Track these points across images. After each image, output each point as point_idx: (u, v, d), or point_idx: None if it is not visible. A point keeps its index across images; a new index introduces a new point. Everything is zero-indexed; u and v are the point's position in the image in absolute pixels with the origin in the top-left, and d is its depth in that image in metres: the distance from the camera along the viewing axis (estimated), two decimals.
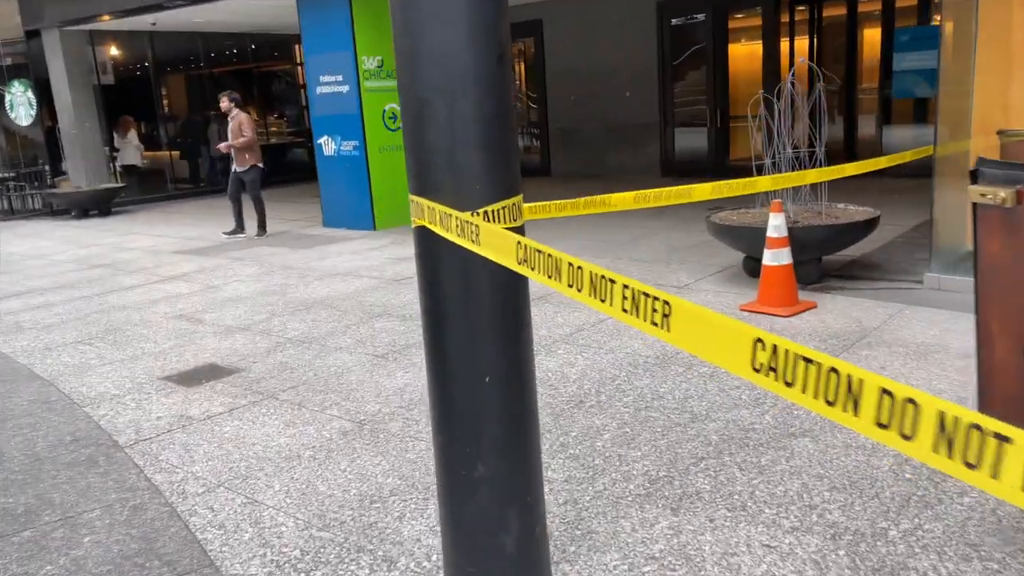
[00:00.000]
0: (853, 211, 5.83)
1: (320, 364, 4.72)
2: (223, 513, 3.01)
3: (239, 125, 9.35)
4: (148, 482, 3.31)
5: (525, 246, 1.75)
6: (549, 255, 1.70)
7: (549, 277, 1.72)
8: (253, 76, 16.98)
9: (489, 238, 1.84)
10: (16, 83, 13.47)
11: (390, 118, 9.65)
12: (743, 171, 12.16)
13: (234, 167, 9.54)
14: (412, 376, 4.39)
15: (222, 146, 9.76)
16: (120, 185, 13.61)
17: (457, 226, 1.90)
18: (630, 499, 2.88)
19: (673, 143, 12.85)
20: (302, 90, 17.44)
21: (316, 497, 3.08)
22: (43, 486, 3.34)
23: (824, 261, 5.76)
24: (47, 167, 13.68)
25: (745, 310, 5.15)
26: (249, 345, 5.20)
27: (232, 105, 9.46)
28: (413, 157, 2.03)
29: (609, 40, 12.99)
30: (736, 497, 2.84)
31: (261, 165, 9.63)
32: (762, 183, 4.91)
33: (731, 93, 12.17)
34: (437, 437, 2.19)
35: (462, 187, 1.95)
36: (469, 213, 1.92)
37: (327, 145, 9.85)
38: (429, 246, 2.05)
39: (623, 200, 3.00)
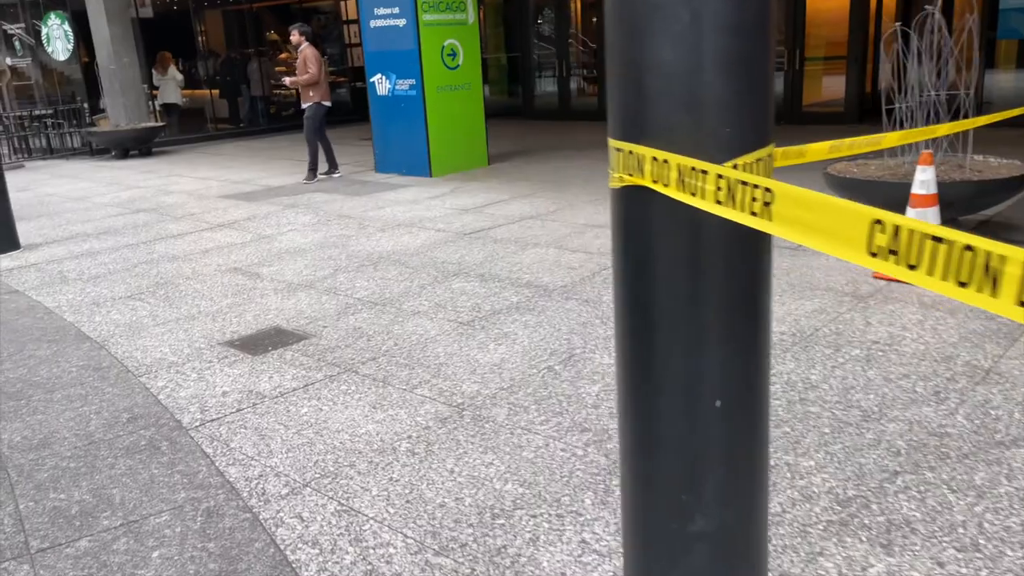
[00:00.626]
0: (997, 164, 5.10)
1: (399, 331, 4.18)
2: (315, 525, 2.49)
3: (304, 61, 8.78)
4: (221, 477, 2.81)
5: (896, 227, 1.12)
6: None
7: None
8: (294, 12, 16.23)
9: (802, 209, 1.21)
10: (52, 15, 12.90)
11: (449, 55, 8.94)
12: (818, 118, 11.34)
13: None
14: (508, 350, 3.83)
15: (287, 80, 9.23)
16: (161, 124, 13.09)
17: (718, 187, 1.28)
18: (822, 528, 2.31)
19: None
20: (346, 27, 16.70)
21: (424, 507, 2.56)
22: (100, 478, 2.86)
23: (959, 222, 5.06)
24: (85, 104, 13.19)
25: (881, 278, 4.50)
26: (315, 305, 4.68)
27: (303, 39, 8.87)
28: (625, 86, 1.42)
29: None
30: (961, 531, 2.25)
31: (327, 103, 9.05)
32: (889, 139, 4.21)
33: (808, 33, 11.22)
34: (632, 475, 1.62)
35: (703, 128, 1.34)
36: (728, 165, 1.31)
37: (381, 84, 9.18)
38: (640, 214, 1.45)
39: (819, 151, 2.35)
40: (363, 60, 16.66)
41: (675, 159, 1.32)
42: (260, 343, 4.14)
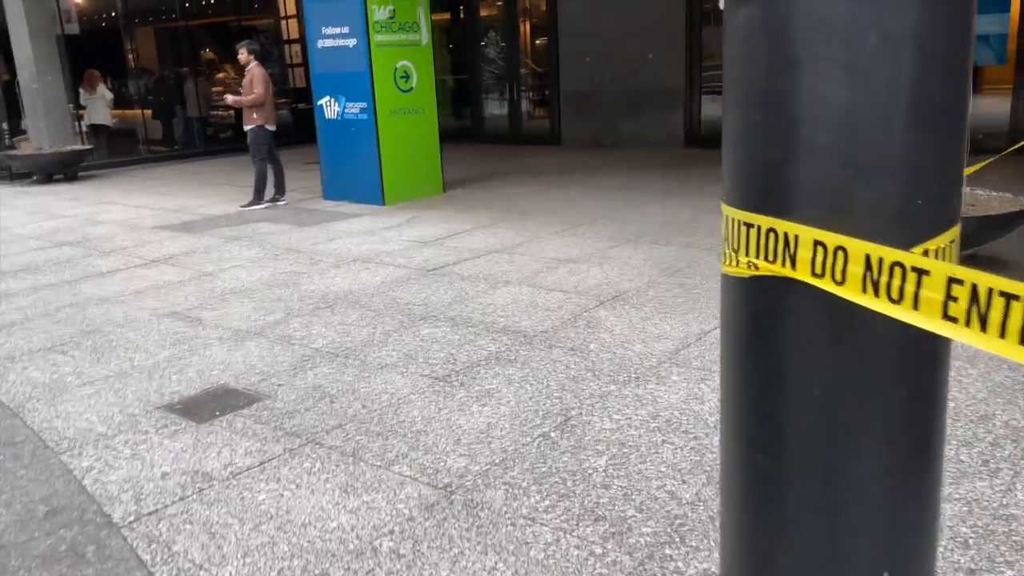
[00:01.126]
0: (988, 197, 4.90)
1: (366, 390, 3.69)
2: None
3: (251, 80, 8.26)
4: None
5: None
6: None
7: None
8: (232, 30, 15.57)
9: None
10: None
11: (402, 77, 8.50)
12: None
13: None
14: (493, 412, 3.38)
15: (229, 98, 8.65)
16: (88, 147, 12.27)
17: (918, 284, 0.88)
18: None
19: (700, 111, 11.82)
20: (287, 46, 16.12)
21: None
22: None
23: None
24: (5, 126, 12.28)
25: None
26: (267, 358, 4.15)
27: (251, 57, 8.35)
28: (762, 135, 1.01)
29: None
30: None
31: (271, 127, 8.50)
32: None
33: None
34: None
35: (888, 198, 0.94)
36: (917, 251, 0.91)
37: (329, 107, 8.67)
38: (782, 314, 1.04)
39: None
40: (305, 81, 16.18)
41: (859, 246, 0.91)
42: (205, 407, 3.60)
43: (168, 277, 5.94)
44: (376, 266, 5.96)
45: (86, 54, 13.16)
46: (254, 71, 8.31)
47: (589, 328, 4.32)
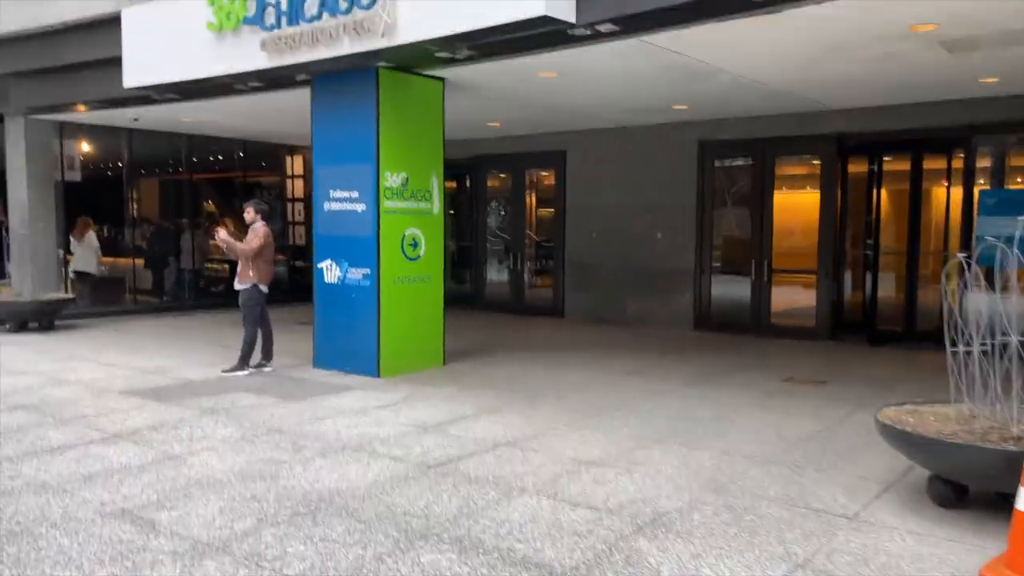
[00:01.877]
0: None
1: None
2: None
3: (254, 236, 7.84)
4: None
5: None
6: None
7: None
8: (236, 185, 15.51)
9: None
10: None
11: (411, 245, 8.08)
12: (787, 331, 10.86)
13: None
14: None
15: (220, 233, 8.14)
16: (69, 296, 11.68)
17: None
18: None
19: (710, 293, 11.46)
20: (290, 204, 16.03)
21: None
22: None
23: None
24: None
25: None
26: None
27: (258, 217, 7.99)
28: None
29: (640, 176, 11.82)
30: None
31: (264, 288, 7.99)
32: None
33: (775, 243, 10.93)
34: None
35: None
36: None
37: (330, 271, 8.18)
38: None
39: None
40: (305, 238, 15.95)
41: None
42: None
43: (127, 459, 5.14)
44: (369, 457, 5.19)
45: (85, 200, 12.91)
46: (258, 228, 7.91)
47: (630, 567, 3.52)
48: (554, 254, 13.10)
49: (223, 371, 7.98)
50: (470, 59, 7.26)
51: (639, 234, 11.90)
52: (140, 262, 14.00)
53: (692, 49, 6.93)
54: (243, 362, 7.98)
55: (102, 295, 13.05)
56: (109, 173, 13.79)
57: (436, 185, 8.38)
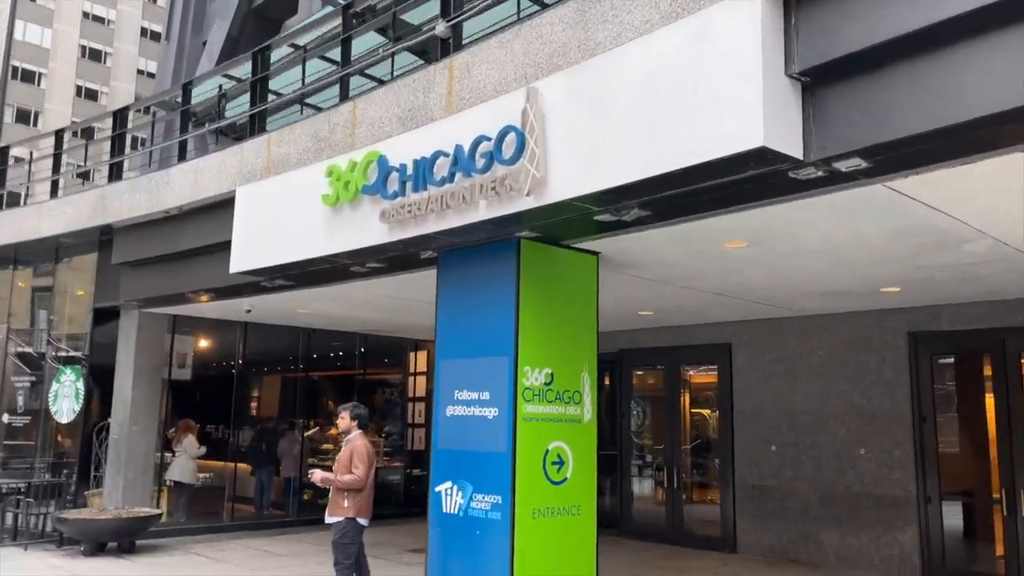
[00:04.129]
0: None
1: None
2: None
3: (350, 455, 6.17)
4: None
5: None
6: None
7: None
8: (355, 383, 14.23)
9: None
10: (68, 370, 10.93)
11: (554, 464, 6.10)
12: None
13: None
14: None
15: (317, 475, 6.44)
16: (155, 512, 10.20)
17: None
18: None
19: (941, 527, 8.65)
20: (411, 404, 14.54)
21: None
22: None
23: None
24: (73, 478, 10.56)
25: None
26: None
27: (353, 424, 6.38)
28: None
29: (832, 375, 9.56)
30: None
31: (364, 521, 6.16)
32: None
33: None
34: None
35: None
36: None
37: (449, 497, 6.26)
38: None
39: None
40: (423, 442, 14.24)
41: None
42: None
43: None
44: None
45: (191, 400, 11.84)
46: (356, 443, 6.23)
47: None
48: (720, 470, 10.68)
49: None
50: (638, 223, 5.59)
51: (834, 449, 9.43)
52: (243, 468, 12.57)
53: (950, 203, 5.01)
54: None
55: (197, 507, 11.55)
56: (218, 371, 12.81)
57: (587, 384, 6.51)
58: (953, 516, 8.69)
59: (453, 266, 6.64)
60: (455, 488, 6.23)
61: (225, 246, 8.20)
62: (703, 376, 11.80)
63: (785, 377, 10.00)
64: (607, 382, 12.47)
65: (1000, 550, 8.25)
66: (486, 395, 6.13)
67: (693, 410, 12.54)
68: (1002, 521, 8.20)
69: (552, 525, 6.05)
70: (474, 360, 6.30)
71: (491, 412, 6.08)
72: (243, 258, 7.91)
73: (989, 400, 8.55)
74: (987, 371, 8.63)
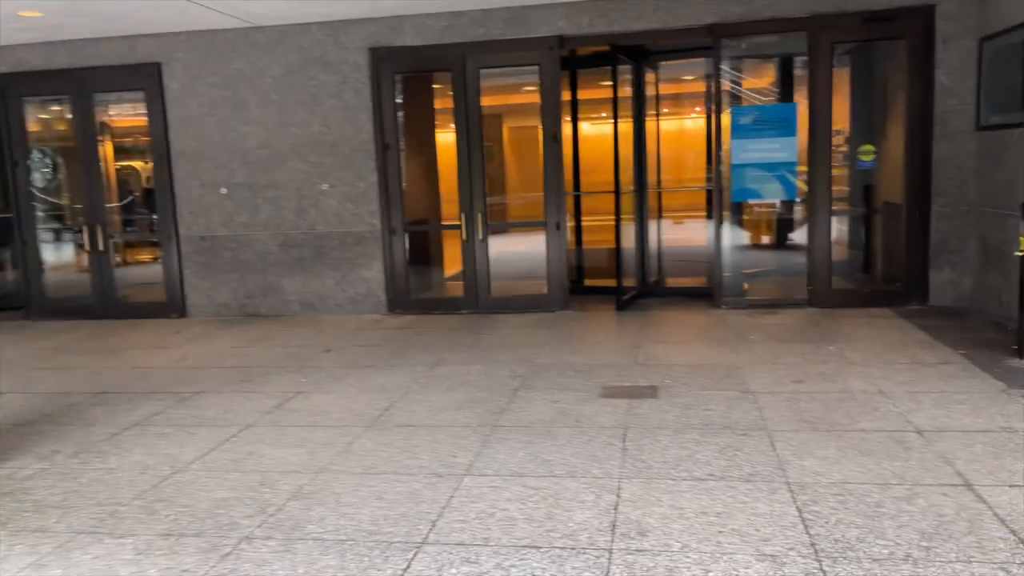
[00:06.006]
0: None
1: None
2: None
3: None
4: None
5: None
6: None
7: None
8: None
9: None
10: None
11: None
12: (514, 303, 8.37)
13: None
14: None
15: None
16: None
17: None
18: None
19: (405, 257, 8.37)
20: None
21: None
22: None
23: None
24: None
25: None
26: None
27: None
28: None
29: (288, 101, 8.15)
30: None
31: None
32: None
33: (491, 188, 8.29)
34: None
35: None
36: None
37: None
38: None
39: None
40: None
41: None
42: None
43: None
44: None
45: None
46: None
47: None
48: (160, 225, 8.73)
49: None
50: None
51: (296, 187, 8.27)
52: None
53: None
54: None
55: None
56: None
57: None
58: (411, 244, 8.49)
59: None
60: None
61: None
62: (132, 120, 9.38)
63: (234, 106, 8.24)
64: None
65: (451, 272, 8.38)
66: None
67: (121, 163, 10.15)
68: (459, 246, 8.22)
69: None
70: None
71: None
72: None
73: (448, 123, 8.22)
74: (448, 91, 8.19)
